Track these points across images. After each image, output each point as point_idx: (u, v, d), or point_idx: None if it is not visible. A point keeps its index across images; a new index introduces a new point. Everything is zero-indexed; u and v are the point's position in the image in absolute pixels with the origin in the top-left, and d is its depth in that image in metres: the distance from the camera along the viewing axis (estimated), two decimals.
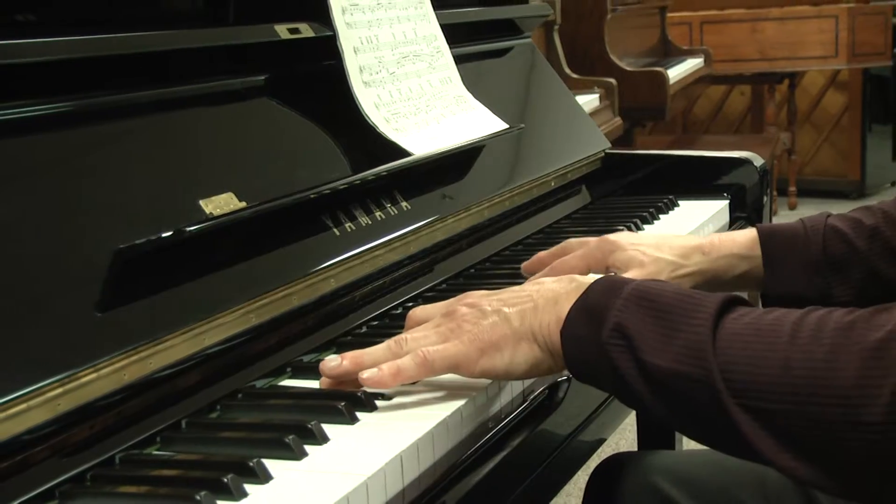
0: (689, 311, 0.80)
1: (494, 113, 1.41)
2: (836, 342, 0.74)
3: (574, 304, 0.86)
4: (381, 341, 0.93)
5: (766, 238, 1.15)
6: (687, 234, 1.16)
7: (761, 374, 0.75)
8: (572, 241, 1.17)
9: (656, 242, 1.15)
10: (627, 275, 1.09)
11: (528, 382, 0.97)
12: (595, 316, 0.84)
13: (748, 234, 1.16)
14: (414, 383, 0.91)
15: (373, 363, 0.89)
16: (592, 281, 0.88)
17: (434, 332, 0.90)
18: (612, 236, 1.15)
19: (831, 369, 0.73)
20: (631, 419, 1.63)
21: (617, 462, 1.19)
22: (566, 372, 0.89)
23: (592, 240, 1.16)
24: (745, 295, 1.16)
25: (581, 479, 1.18)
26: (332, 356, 0.91)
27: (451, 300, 0.95)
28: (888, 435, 0.70)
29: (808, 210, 4.89)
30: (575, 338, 0.85)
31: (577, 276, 0.92)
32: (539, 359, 0.88)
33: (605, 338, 0.82)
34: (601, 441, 1.12)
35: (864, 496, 0.76)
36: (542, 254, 1.18)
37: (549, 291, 0.90)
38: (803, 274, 1.13)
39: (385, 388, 0.87)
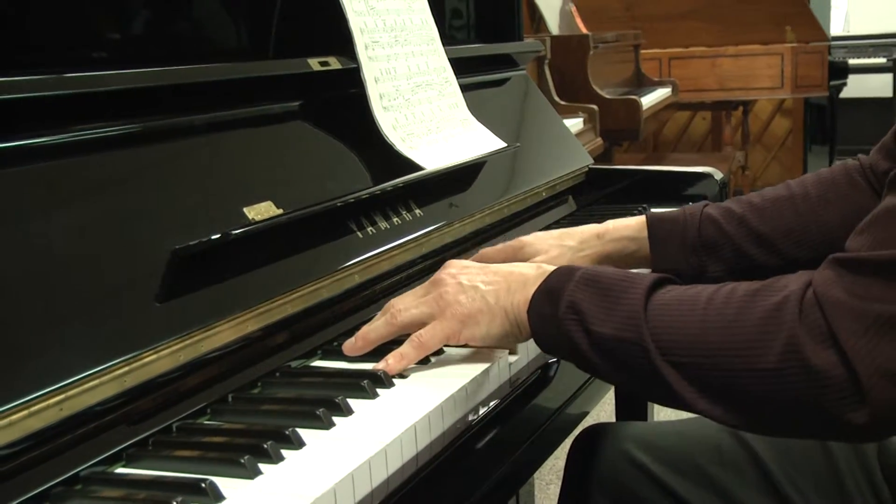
0: (627, 288, 0.82)
1: (494, 133, 1.41)
2: (743, 304, 0.76)
3: (538, 287, 0.88)
4: None
5: (652, 223, 1.17)
6: (590, 225, 1.20)
7: (682, 333, 0.77)
8: (487, 249, 1.18)
9: (560, 233, 1.18)
10: (536, 260, 1.12)
11: (516, 369, 0.97)
12: (553, 297, 0.86)
13: (639, 220, 1.18)
14: (426, 364, 0.91)
15: (377, 337, 0.92)
16: (554, 269, 0.90)
17: (423, 304, 0.92)
18: (522, 237, 1.18)
19: (737, 325, 0.75)
20: (610, 395, 1.62)
21: (595, 431, 1.18)
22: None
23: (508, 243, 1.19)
24: None
25: (568, 444, 1.17)
26: (351, 339, 0.93)
27: (437, 273, 0.95)
28: (780, 379, 0.72)
29: None
30: (539, 316, 0.87)
31: (543, 265, 0.93)
32: (508, 331, 0.90)
33: (561, 314, 0.84)
34: (585, 413, 1.12)
35: (765, 430, 0.80)
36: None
37: (520, 276, 0.91)
38: (682, 253, 1.15)
39: (395, 373, 0.89)
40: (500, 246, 1.17)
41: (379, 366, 0.89)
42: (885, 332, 0.69)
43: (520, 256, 1.14)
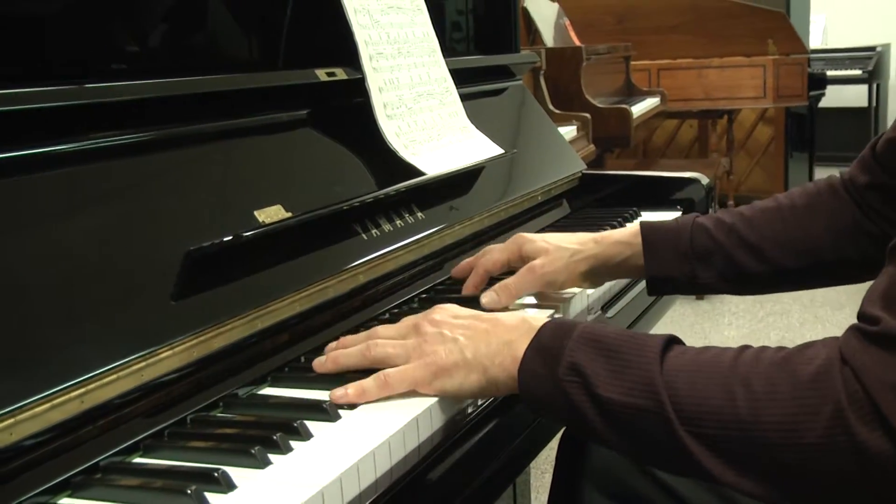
0: (636, 350, 0.76)
1: (492, 140, 1.40)
2: (773, 374, 0.71)
3: (529, 345, 0.81)
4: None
5: (646, 231, 1.15)
6: (589, 233, 1.18)
7: (706, 402, 0.71)
8: (492, 246, 1.16)
9: (560, 236, 1.16)
10: (536, 262, 1.10)
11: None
12: (549, 356, 0.79)
13: (633, 227, 1.16)
14: None
15: (347, 365, 0.86)
16: (542, 324, 0.83)
17: (400, 346, 0.86)
18: (523, 233, 1.16)
19: (771, 399, 0.69)
20: None
21: None
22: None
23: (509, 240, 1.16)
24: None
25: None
26: (322, 357, 0.88)
27: (420, 314, 0.90)
28: (824, 454, 0.67)
29: None
30: (532, 375, 0.80)
31: (528, 318, 0.86)
32: (485, 388, 0.83)
33: (560, 375, 0.77)
34: None
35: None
36: (467, 259, 1.16)
37: (504, 332, 0.84)
38: (674, 260, 1.13)
39: (351, 403, 0.81)
40: (500, 247, 1.15)
41: (338, 394, 0.82)
42: None
43: (522, 253, 1.12)
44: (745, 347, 0.75)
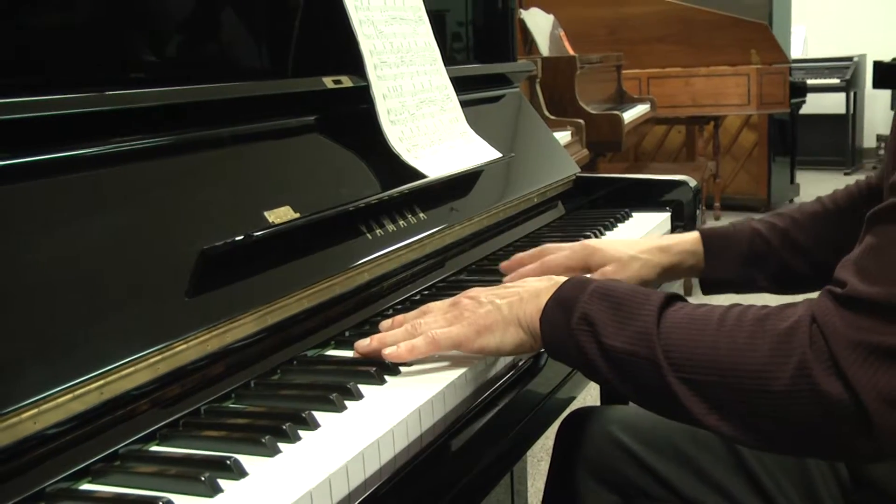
0: (640, 304, 0.79)
1: (491, 145, 1.40)
2: (754, 329, 0.73)
3: (550, 297, 0.85)
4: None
5: (706, 238, 1.15)
6: (647, 237, 1.16)
7: (694, 352, 0.74)
8: (549, 245, 1.15)
9: (627, 244, 1.14)
10: (608, 269, 1.09)
11: (508, 360, 0.95)
12: (566, 307, 0.83)
13: (693, 235, 1.15)
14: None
15: (393, 343, 0.88)
16: (565, 280, 0.87)
17: (442, 318, 0.90)
18: (591, 242, 1.13)
19: (749, 350, 0.72)
20: None
21: (581, 414, 1.18)
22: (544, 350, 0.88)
23: (572, 244, 1.13)
24: (681, 290, 1.15)
25: (558, 425, 1.17)
26: (365, 339, 0.90)
27: (457, 296, 0.93)
28: (791, 401, 0.70)
29: (729, 220, 4.89)
30: (550, 324, 0.84)
31: (554, 276, 0.90)
32: (523, 340, 0.87)
33: (573, 325, 0.81)
34: (572, 398, 1.12)
35: (774, 448, 0.76)
36: (519, 255, 1.14)
37: (533, 288, 0.88)
38: (734, 265, 1.13)
39: (403, 361, 0.87)
40: (566, 252, 1.12)
41: (387, 351, 0.86)
42: (881, 361, 0.67)
43: (589, 263, 1.11)
44: (735, 305, 0.78)
